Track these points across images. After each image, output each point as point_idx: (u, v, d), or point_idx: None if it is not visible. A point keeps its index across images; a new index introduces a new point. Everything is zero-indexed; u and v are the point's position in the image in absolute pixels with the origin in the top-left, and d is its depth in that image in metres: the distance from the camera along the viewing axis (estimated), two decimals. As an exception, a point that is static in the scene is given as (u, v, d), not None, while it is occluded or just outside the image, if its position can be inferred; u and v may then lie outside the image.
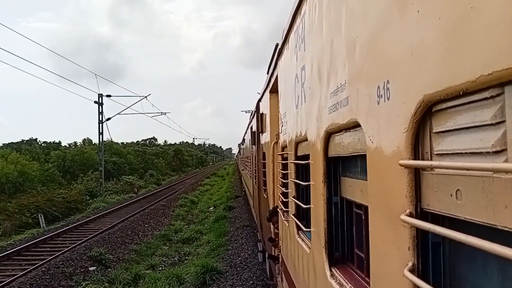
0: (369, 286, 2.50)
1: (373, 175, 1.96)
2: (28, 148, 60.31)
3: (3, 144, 69.42)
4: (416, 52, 1.46)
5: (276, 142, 7.14)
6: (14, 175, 39.92)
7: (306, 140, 3.80)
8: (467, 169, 1.15)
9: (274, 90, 7.32)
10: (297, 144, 4.46)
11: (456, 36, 1.21)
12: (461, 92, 1.21)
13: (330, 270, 2.99)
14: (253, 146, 14.05)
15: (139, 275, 14.17)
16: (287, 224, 5.40)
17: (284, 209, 5.70)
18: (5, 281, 12.56)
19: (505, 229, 1.07)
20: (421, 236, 1.56)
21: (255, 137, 12.44)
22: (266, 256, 11.58)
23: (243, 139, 32.03)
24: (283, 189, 5.71)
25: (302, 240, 4.24)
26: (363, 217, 2.65)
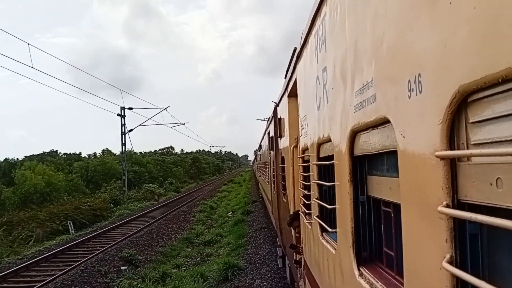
0: (400, 284, 2.49)
1: (405, 170, 1.96)
2: (52, 159, 62.72)
3: (25, 156, 71.90)
4: (449, 43, 1.46)
5: (296, 146, 7.14)
6: (42, 186, 42.70)
7: (330, 140, 3.80)
8: (510, 155, 1.14)
9: (293, 94, 7.34)
10: (319, 145, 4.46)
11: (493, 23, 1.21)
12: (500, 80, 1.21)
13: (359, 270, 2.98)
14: (271, 151, 14.06)
15: (166, 274, 15.30)
16: (309, 227, 5.38)
17: (306, 211, 5.69)
18: (46, 279, 14.03)
19: None
20: (458, 228, 1.56)
21: (273, 142, 12.45)
22: (287, 262, 11.57)
23: (260, 145, 32.06)
24: (305, 192, 5.70)
25: (327, 241, 4.23)
26: (393, 215, 2.64)
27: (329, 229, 3.98)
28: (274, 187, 13.71)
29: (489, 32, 1.24)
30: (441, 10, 1.52)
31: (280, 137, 10.35)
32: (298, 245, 7.10)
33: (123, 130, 43.24)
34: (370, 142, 2.67)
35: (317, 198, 4.68)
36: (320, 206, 4.57)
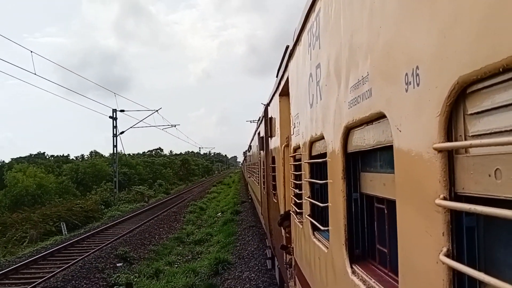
0: (393, 280, 2.48)
1: (401, 164, 1.95)
2: (42, 162, 63.06)
3: (11, 158, 71.57)
4: (449, 34, 1.45)
5: (287, 145, 7.13)
6: (33, 188, 43.50)
7: (322, 138, 3.79)
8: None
9: (284, 93, 7.33)
10: (311, 143, 4.45)
11: (495, 12, 1.20)
12: (500, 69, 1.20)
13: (351, 267, 2.96)
14: (261, 151, 14.04)
15: (159, 270, 16.44)
16: (301, 226, 5.37)
17: (297, 211, 5.67)
18: (46, 276, 15.08)
19: None
20: (455, 221, 1.55)
21: (263, 142, 12.43)
22: (276, 263, 11.54)
23: (249, 146, 32.07)
24: (296, 191, 5.68)
25: (319, 240, 4.21)
26: (386, 211, 2.63)
27: (321, 227, 3.96)
28: (264, 188, 13.69)
29: (490, 21, 1.23)
30: (440, 0, 1.50)
31: (271, 137, 10.33)
32: (289, 245, 7.08)
33: (114, 132, 43.76)
34: (365, 138, 2.66)
35: (308, 197, 4.66)
36: (312, 205, 4.56)
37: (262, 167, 14.59)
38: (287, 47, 6.21)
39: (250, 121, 49.44)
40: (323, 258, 3.90)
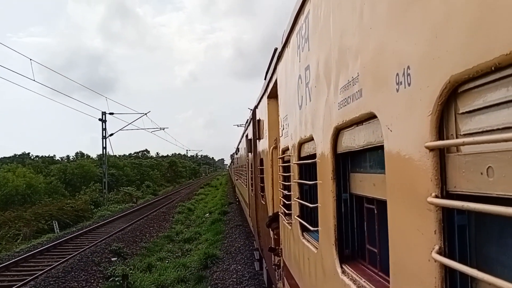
0: (383, 280, 2.50)
1: (392, 164, 1.96)
2: (30, 162, 63.58)
3: None
4: (441, 34, 1.47)
5: (275, 147, 7.14)
6: (23, 188, 45.06)
7: (312, 139, 3.80)
8: (505, 141, 1.14)
9: (273, 95, 7.34)
10: (300, 145, 4.46)
11: (487, 11, 1.22)
12: (492, 68, 1.22)
13: (341, 267, 2.98)
14: (249, 153, 14.03)
15: (151, 265, 17.66)
16: (289, 227, 5.37)
17: (286, 212, 5.68)
18: (45, 269, 16.20)
19: None
20: (447, 220, 1.56)
21: (252, 144, 12.42)
22: (264, 265, 11.53)
23: (237, 149, 32.04)
24: (285, 192, 5.69)
25: (308, 241, 4.22)
26: (376, 211, 2.64)
27: (311, 228, 3.97)
28: (252, 190, 13.68)
29: (482, 20, 1.25)
30: (432, 0, 1.52)
31: (259, 139, 10.33)
32: (277, 247, 7.08)
33: (104, 134, 44.92)
34: (355, 139, 2.68)
35: (297, 198, 4.67)
36: (301, 206, 4.57)
37: (250, 169, 14.58)
38: (276, 49, 6.22)
39: (237, 125, 50.28)
40: (312, 259, 3.90)
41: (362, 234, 3.01)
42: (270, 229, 7.67)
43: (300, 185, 4.65)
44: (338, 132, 2.96)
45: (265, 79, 8.43)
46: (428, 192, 1.59)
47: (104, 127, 44.76)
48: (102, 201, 44.64)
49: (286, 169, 5.74)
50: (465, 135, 1.44)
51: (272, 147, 7.38)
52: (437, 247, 1.55)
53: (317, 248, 3.74)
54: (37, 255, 19.30)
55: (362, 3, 2.29)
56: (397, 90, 1.83)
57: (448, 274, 1.53)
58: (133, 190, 57.10)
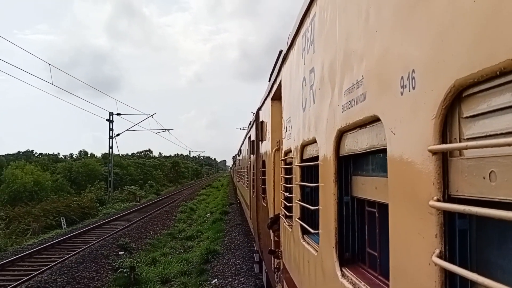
0: (383, 283, 2.49)
1: (395, 167, 1.96)
2: (37, 159, 64.80)
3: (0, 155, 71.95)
4: (446, 38, 1.47)
5: (278, 149, 7.14)
6: (31, 184, 46.67)
7: (315, 142, 3.80)
8: (508, 145, 1.14)
9: (277, 97, 7.34)
10: (303, 147, 4.46)
11: (493, 15, 1.22)
12: (497, 72, 1.22)
13: (341, 270, 2.97)
14: (252, 155, 14.03)
15: (156, 259, 18.91)
16: (290, 230, 5.37)
17: (287, 214, 5.67)
18: (58, 260, 17.47)
19: None
20: (448, 224, 1.56)
21: (254, 146, 12.43)
22: (264, 268, 11.52)
23: (239, 150, 32.08)
24: (286, 194, 5.69)
25: (308, 243, 4.22)
26: (377, 215, 2.64)
27: (312, 230, 3.97)
28: (253, 191, 13.67)
29: (487, 25, 1.25)
30: (438, 4, 1.52)
31: (262, 140, 10.34)
32: (277, 250, 7.07)
33: (110, 134, 46.33)
34: (358, 142, 2.68)
35: (299, 200, 4.67)
36: (302, 208, 4.56)
37: (252, 171, 14.58)
38: (281, 51, 6.23)
39: (240, 128, 50.87)
40: (312, 261, 3.90)
41: (363, 237, 3.01)
42: (271, 231, 7.67)
43: (302, 187, 4.65)
44: (341, 134, 2.97)
45: (269, 81, 8.44)
46: (430, 196, 1.59)
47: (111, 127, 46.17)
48: (107, 199, 45.64)
49: (288, 171, 5.74)
50: (469, 139, 1.44)
51: (274, 149, 7.39)
52: (437, 251, 1.55)
53: (317, 251, 3.73)
54: (49, 248, 20.55)
55: (368, 7, 2.30)
56: (402, 94, 1.83)
57: (448, 278, 1.53)
58: (136, 189, 58.05)
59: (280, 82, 6.45)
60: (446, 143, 1.54)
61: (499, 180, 1.27)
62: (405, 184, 1.86)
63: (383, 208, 2.31)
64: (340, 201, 3.11)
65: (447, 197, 1.54)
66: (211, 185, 78.99)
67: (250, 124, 16.49)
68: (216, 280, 15.39)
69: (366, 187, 2.76)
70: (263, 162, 10.05)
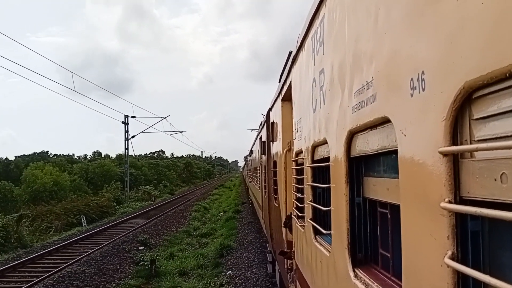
0: (396, 285, 2.49)
1: (406, 168, 1.96)
2: (55, 160, 66.99)
3: (16, 156, 73.85)
4: (456, 40, 1.47)
5: (289, 150, 7.14)
6: (50, 184, 49.10)
7: (325, 143, 3.81)
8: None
9: (287, 98, 7.35)
10: (314, 148, 4.47)
11: (502, 17, 1.22)
12: (507, 74, 1.21)
13: (354, 271, 2.97)
14: (263, 156, 14.05)
15: (173, 254, 19.99)
16: (302, 230, 5.37)
17: (299, 215, 5.68)
18: (82, 254, 18.91)
19: None
20: (460, 225, 1.56)
21: (265, 146, 12.44)
22: (277, 268, 11.53)
23: (251, 151, 32.14)
24: (298, 195, 5.69)
25: (320, 244, 4.22)
26: (389, 216, 2.64)
27: (324, 231, 3.97)
28: (265, 192, 13.69)
29: (497, 27, 1.25)
30: (447, 6, 1.52)
31: (273, 141, 10.34)
32: (289, 250, 7.08)
33: (126, 136, 48.69)
34: (368, 143, 2.68)
35: (310, 201, 4.67)
36: (314, 209, 4.57)
37: (263, 171, 14.59)
38: (290, 52, 6.24)
39: (251, 130, 51.89)
40: (325, 262, 3.90)
41: (375, 238, 3.00)
42: (287, 229, 7.67)
43: (313, 188, 4.66)
44: (352, 136, 2.97)
45: (279, 81, 8.44)
46: (442, 197, 1.58)
47: (126, 129, 48.74)
48: (124, 198, 47.45)
49: (300, 172, 5.74)
50: (479, 141, 1.44)
51: (285, 150, 7.39)
52: (450, 253, 1.55)
53: (329, 252, 3.74)
54: (74, 243, 22.18)
55: (377, 8, 2.30)
56: (412, 95, 1.83)
57: (461, 280, 1.53)
58: (151, 189, 59.23)
59: (290, 83, 6.45)
60: (456, 144, 1.54)
61: (510, 182, 1.27)
62: (416, 186, 1.86)
63: (395, 209, 2.31)
64: (351, 202, 3.11)
65: (458, 199, 1.54)
66: (224, 185, 79.43)
67: (261, 124, 16.51)
68: (230, 271, 16.54)
69: (378, 188, 2.76)
70: (274, 162, 10.06)
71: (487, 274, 1.51)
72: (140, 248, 21.38)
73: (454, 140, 1.55)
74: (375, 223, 3.00)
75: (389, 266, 2.66)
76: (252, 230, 24.62)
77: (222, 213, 35.23)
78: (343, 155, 3.12)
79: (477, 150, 1.41)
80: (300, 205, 5.55)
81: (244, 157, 59.23)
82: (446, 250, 1.57)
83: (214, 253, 19.59)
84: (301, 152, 5.38)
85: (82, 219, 32.01)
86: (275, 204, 10.29)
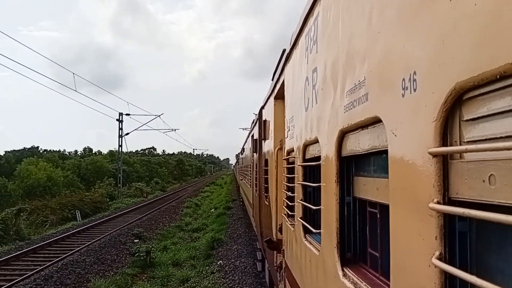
0: (384, 284, 2.50)
1: (396, 168, 1.97)
2: (47, 156, 67.51)
3: (5, 151, 73.61)
4: (448, 41, 1.47)
5: (281, 148, 7.14)
6: (44, 180, 49.81)
7: (317, 142, 3.81)
8: (508, 149, 1.15)
9: (279, 96, 7.34)
10: (305, 146, 4.47)
11: (494, 19, 1.22)
12: (498, 76, 1.22)
13: (343, 270, 2.98)
14: (254, 154, 14.04)
15: (166, 247, 21.16)
16: (292, 229, 5.38)
17: (289, 213, 5.68)
18: (81, 246, 19.88)
19: None
20: (448, 226, 1.56)
21: (257, 144, 12.43)
22: (266, 266, 11.54)
23: (243, 149, 32.14)
24: (289, 194, 5.70)
25: (310, 243, 4.22)
26: (379, 215, 2.65)
27: (313, 230, 3.97)
28: (256, 190, 13.68)
29: (489, 29, 1.25)
30: (440, 7, 1.53)
31: (265, 139, 10.34)
32: (276, 240, 7.11)
33: (120, 134, 48.96)
34: (359, 143, 2.68)
35: (301, 200, 4.67)
36: (304, 208, 4.57)
37: (254, 169, 14.58)
38: (284, 50, 6.23)
39: (243, 129, 52.17)
40: (314, 261, 3.91)
41: (364, 237, 3.01)
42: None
43: (304, 187, 4.66)
44: (343, 135, 2.97)
45: (272, 79, 8.44)
46: (430, 198, 1.59)
47: (121, 126, 48.94)
48: (117, 194, 48.38)
49: (291, 170, 5.74)
50: (469, 142, 1.45)
51: (277, 148, 7.39)
52: (437, 253, 1.56)
53: (319, 250, 3.74)
54: (71, 236, 23.18)
55: (371, 8, 2.30)
56: (403, 95, 1.83)
57: (448, 280, 1.54)
58: (143, 185, 59.75)
59: (283, 81, 6.45)
60: (446, 145, 1.55)
61: (499, 184, 1.27)
62: (405, 186, 1.86)
63: (385, 209, 2.32)
64: (341, 201, 3.12)
65: (447, 200, 1.55)
66: (215, 183, 79.65)
67: (253, 122, 16.50)
68: (221, 261, 18.01)
69: (368, 188, 2.77)
70: (266, 161, 10.06)
71: (474, 274, 1.51)
72: (135, 241, 22.28)
73: (444, 141, 1.55)
74: (364, 222, 3.01)
75: (378, 266, 2.67)
76: (241, 225, 25.99)
77: (213, 210, 35.97)
78: (334, 154, 3.12)
79: (466, 151, 1.41)
80: (290, 203, 5.55)
81: (236, 155, 59.42)
82: (434, 250, 1.58)
83: (205, 246, 20.71)
84: (293, 150, 5.39)
85: (77, 213, 32.84)
86: (265, 202, 10.30)
